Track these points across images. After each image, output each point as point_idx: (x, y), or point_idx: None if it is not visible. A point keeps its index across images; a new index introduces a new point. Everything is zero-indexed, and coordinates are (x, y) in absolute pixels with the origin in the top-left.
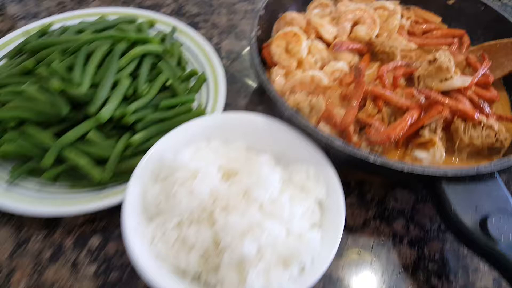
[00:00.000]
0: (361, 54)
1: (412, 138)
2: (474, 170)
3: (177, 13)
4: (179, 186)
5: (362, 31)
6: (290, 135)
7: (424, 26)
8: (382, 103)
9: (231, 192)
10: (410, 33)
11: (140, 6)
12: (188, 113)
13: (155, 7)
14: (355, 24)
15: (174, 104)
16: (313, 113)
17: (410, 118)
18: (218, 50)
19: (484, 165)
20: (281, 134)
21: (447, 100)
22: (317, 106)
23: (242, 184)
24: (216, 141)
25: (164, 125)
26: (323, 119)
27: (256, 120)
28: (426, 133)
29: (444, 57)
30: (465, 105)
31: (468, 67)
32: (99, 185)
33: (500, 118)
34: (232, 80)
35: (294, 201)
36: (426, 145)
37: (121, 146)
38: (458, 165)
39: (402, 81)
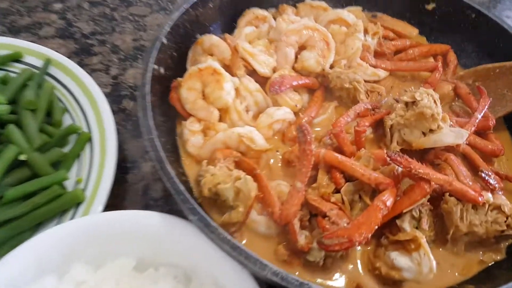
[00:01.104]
0: (311, 90)
1: (387, 226)
2: None
3: (63, 34)
4: None
5: (311, 59)
6: (203, 243)
7: (397, 42)
8: (340, 176)
9: None
10: (378, 54)
11: (12, 26)
12: (57, 201)
13: (32, 28)
14: (301, 48)
15: (30, 191)
16: (240, 199)
17: (383, 206)
18: (117, 86)
19: None
20: (191, 242)
21: (436, 176)
22: (244, 189)
23: None
24: (79, 267)
25: (16, 227)
26: (255, 208)
27: (153, 222)
28: (406, 226)
29: (427, 98)
30: (463, 183)
31: (457, 99)
32: None
33: (508, 179)
34: (136, 132)
35: None
36: (406, 245)
37: None
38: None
39: (368, 132)
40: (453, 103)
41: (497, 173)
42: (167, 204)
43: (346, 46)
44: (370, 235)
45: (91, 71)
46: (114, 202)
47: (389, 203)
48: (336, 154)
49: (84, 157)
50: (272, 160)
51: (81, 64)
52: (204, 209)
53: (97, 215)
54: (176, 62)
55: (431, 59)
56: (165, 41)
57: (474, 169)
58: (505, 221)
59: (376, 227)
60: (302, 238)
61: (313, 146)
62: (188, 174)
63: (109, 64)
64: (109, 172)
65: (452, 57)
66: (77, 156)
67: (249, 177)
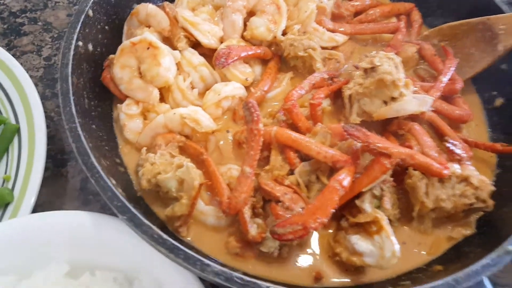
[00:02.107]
0: (264, 61)
1: (347, 207)
2: None
3: None
4: None
5: (261, 26)
6: (143, 244)
7: (356, 3)
8: (295, 156)
9: None
10: (336, 17)
11: None
12: None
13: None
14: (250, 14)
15: None
16: (184, 190)
17: (339, 187)
18: (50, 68)
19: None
20: (129, 243)
21: (396, 150)
22: (187, 179)
23: None
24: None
25: None
26: (203, 198)
27: (84, 223)
28: (366, 206)
29: (387, 63)
30: (427, 155)
31: (422, 62)
32: None
33: (477, 146)
34: None
35: None
36: (367, 227)
37: None
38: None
39: (325, 104)
40: (418, 67)
41: (465, 141)
42: None
43: (299, 9)
44: (327, 220)
45: (21, 54)
46: (51, 199)
47: (346, 182)
48: (289, 132)
49: (12, 152)
50: (222, 142)
51: (11, 47)
52: (147, 202)
53: (21, 219)
54: (109, 37)
55: (394, 20)
56: (91, 13)
57: (442, 138)
58: (474, 194)
59: (333, 210)
60: (253, 228)
61: (261, 125)
62: (127, 164)
63: (41, 45)
64: (38, 167)
65: (416, 16)
66: (5, 150)
67: (191, 164)
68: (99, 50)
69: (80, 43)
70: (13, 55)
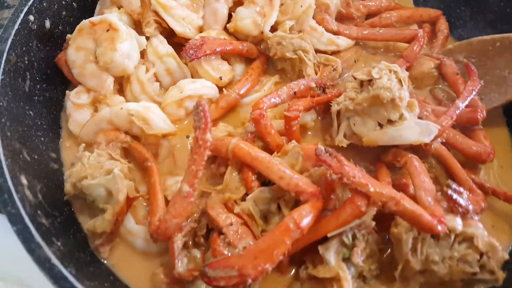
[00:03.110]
0: (249, 60)
1: (309, 252)
2: None
3: None
4: None
5: (247, 18)
6: None
7: (369, 2)
8: (253, 178)
9: None
10: (344, 17)
11: None
12: None
13: None
14: (238, 4)
15: None
16: (111, 202)
17: (294, 228)
18: None
19: None
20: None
21: (377, 190)
22: (112, 189)
23: None
24: None
25: None
26: (135, 214)
27: None
28: (330, 256)
29: (388, 76)
30: (420, 201)
31: (442, 81)
32: None
33: (495, 195)
34: None
35: None
36: (327, 285)
37: None
38: None
39: (309, 119)
40: (436, 86)
41: (481, 186)
42: None
43: (295, 3)
44: (270, 268)
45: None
46: None
47: (304, 222)
48: (250, 147)
49: None
50: (179, 146)
51: None
52: (73, 209)
53: None
54: (76, 16)
55: (415, 27)
56: None
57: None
58: (478, 260)
59: (281, 256)
60: (182, 263)
61: (208, 134)
62: (65, 160)
63: None
64: None
65: (442, 25)
66: None
67: (119, 173)
68: (60, 29)
69: (31, 18)
70: None
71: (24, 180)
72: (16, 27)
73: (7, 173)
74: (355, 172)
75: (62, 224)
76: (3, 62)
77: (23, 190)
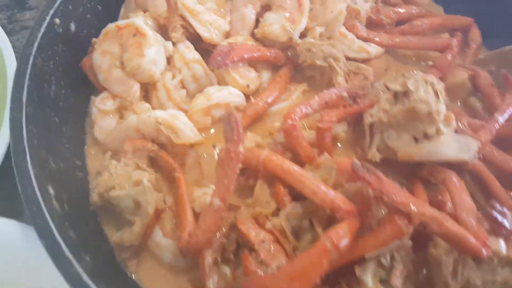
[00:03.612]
0: (275, 66)
1: (346, 272)
2: None
3: None
4: None
5: (275, 23)
6: None
7: (400, 9)
8: (285, 192)
9: None
10: (374, 24)
11: None
12: None
13: None
14: (265, 9)
15: None
16: (139, 215)
17: (332, 248)
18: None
19: None
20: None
21: (419, 209)
22: (142, 201)
23: None
24: None
25: None
26: (163, 227)
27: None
28: (367, 278)
29: (425, 88)
30: (461, 221)
31: (474, 92)
32: None
33: None
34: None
35: None
36: None
37: None
38: None
39: (340, 130)
40: (470, 98)
41: None
42: None
43: (326, 9)
44: None
45: (21, 28)
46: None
47: (342, 243)
48: (281, 160)
49: None
50: (205, 155)
51: (11, 20)
52: (99, 220)
53: None
54: (102, 19)
55: (446, 35)
56: None
57: (488, 196)
58: None
59: (318, 279)
60: (213, 281)
61: (241, 147)
62: (90, 168)
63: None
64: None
65: (475, 34)
66: None
67: (148, 184)
68: (85, 32)
69: (57, 21)
70: (12, 30)
71: (51, 190)
72: (42, 30)
73: (35, 183)
74: (396, 190)
75: (89, 236)
76: (29, 66)
77: (51, 201)
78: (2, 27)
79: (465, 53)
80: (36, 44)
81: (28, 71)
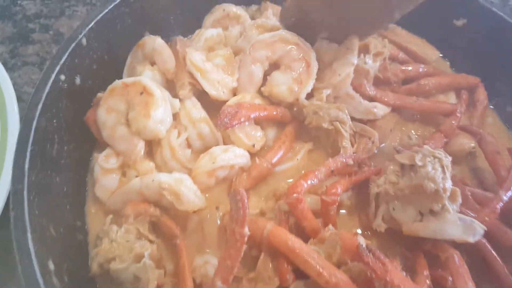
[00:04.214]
0: (281, 123)
1: None
2: None
3: (3, 13)
4: None
5: (282, 84)
6: None
7: (408, 68)
8: (288, 269)
9: None
10: (380, 81)
11: None
12: None
13: None
14: (274, 67)
15: None
16: (140, 286)
17: None
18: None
19: None
20: None
21: None
22: (142, 278)
23: None
24: None
25: None
26: None
27: None
28: None
29: (433, 163)
30: None
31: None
32: None
33: None
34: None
35: None
36: None
37: None
38: None
39: (345, 197)
40: (474, 160)
41: None
42: None
43: (333, 71)
44: None
45: (23, 64)
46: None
47: None
48: (287, 235)
49: None
50: (208, 217)
51: (13, 54)
52: (98, 286)
53: None
54: (107, 68)
55: (452, 95)
56: (84, 41)
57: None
58: None
59: None
60: None
61: (246, 229)
62: (90, 227)
63: (46, 57)
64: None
65: (481, 95)
66: None
67: (150, 262)
68: (90, 84)
69: (62, 77)
70: (14, 65)
71: (51, 266)
72: (47, 89)
73: (35, 262)
74: (400, 279)
75: None
76: (32, 131)
77: (51, 278)
78: (3, 61)
79: (471, 113)
80: (40, 106)
81: (32, 135)
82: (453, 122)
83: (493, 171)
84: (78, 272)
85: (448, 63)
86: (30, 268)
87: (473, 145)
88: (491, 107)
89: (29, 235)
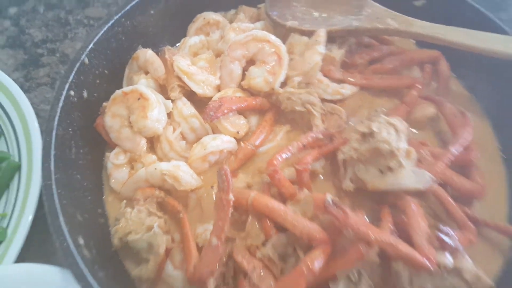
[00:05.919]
0: (262, 111)
1: None
2: None
3: (14, 43)
4: None
5: (258, 77)
6: None
7: (372, 50)
8: (271, 226)
9: None
10: (349, 65)
11: None
12: None
13: None
14: (251, 63)
15: None
16: (153, 253)
17: (307, 271)
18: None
19: None
20: None
21: (376, 237)
22: (154, 244)
23: None
24: None
25: None
26: (174, 261)
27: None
28: None
29: (387, 129)
30: (415, 242)
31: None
32: None
33: (488, 225)
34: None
35: None
36: None
37: None
38: None
39: (318, 166)
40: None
41: (474, 219)
42: None
43: (304, 60)
44: None
45: (37, 86)
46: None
47: (316, 265)
48: (266, 200)
49: (12, 189)
50: (205, 195)
51: (28, 78)
52: (120, 258)
53: None
54: (109, 80)
55: (416, 69)
56: (87, 61)
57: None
58: None
59: None
60: None
61: (231, 195)
62: (109, 213)
63: (55, 77)
64: (30, 208)
65: (443, 66)
66: (7, 187)
67: (158, 230)
68: (95, 96)
69: (72, 93)
70: (29, 87)
71: (81, 241)
72: (60, 104)
73: (69, 239)
74: (358, 223)
75: (114, 273)
76: (53, 139)
77: (82, 251)
78: (20, 85)
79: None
80: (56, 118)
81: (53, 142)
82: (414, 93)
83: (451, 131)
84: (103, 248)
85: (413, 41)
86: (64, 242)
87: (433, 110)
88: (454, 75)
89: (61, 218)
